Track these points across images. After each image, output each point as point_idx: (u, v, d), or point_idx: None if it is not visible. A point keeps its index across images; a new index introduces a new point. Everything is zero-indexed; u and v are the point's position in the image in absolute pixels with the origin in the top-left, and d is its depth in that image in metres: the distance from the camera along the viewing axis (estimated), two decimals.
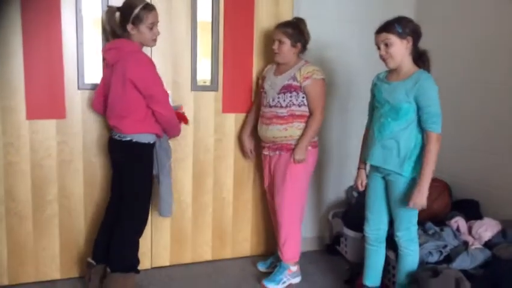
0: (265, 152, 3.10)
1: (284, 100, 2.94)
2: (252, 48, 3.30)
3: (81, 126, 2.98)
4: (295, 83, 2.93)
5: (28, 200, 2.92)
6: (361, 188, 2.73)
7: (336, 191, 3.71)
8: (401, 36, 2.39)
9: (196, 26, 3.14)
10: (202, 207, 3.35)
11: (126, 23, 2.60)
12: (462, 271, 2.42)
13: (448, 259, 2.56)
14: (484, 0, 3.17)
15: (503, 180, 3.00)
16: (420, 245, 2.59)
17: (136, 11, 2.57)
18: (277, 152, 3.01)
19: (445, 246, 2.61)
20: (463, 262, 2.49)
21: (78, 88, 2.94)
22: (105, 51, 2.70)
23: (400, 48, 2.40)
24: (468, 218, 2.89)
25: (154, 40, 2.71)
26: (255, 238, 3.53)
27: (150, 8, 2.62)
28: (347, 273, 3.16)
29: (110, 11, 2.68)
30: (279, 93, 2.95)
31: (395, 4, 3.56)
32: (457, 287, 2.28)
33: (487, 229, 2.66)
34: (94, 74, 2.96)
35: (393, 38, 2.39)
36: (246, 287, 3.07)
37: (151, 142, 2.73)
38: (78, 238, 3.06)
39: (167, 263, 3.31)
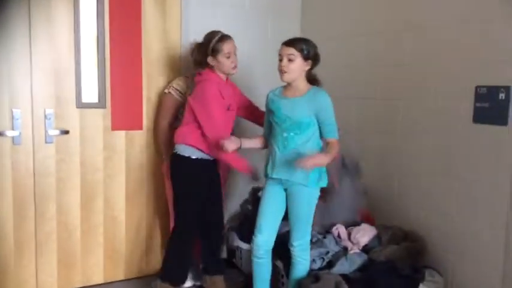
0: None
1: None
2: (141, 63, 3.27)
3: None
4: None
5: None
6: None
7: (232, 204, 3.76)
8: (305, 56, 2.53)
9: (79, 40, 3.06)
10: (92, 228, 3.24)
11: (207, 56, 2.77)
12: (342, 275, 2.57)
13: (330, 265, 2.70)
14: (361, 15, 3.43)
15: (382, 189, 3.25)
16: None
17: (213, 43, 2.76)
18: None
19: (327, 252, 2.75)
20: (342, 266, 2.64)
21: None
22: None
23: (299, 67, 2.54)
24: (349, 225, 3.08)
25: (235, 67, 2.83)
26: (150, 257, 3.47)
27: (225, 38, 2.79)
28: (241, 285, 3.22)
29: (192, 46, 2.89)
30: None
31: (282, 20, 3.78)
32: None
33: (364, 234, 2.84)
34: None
35: (298, 56, 2.51)
36: None
37: (192, 157, 2.79)
38: None
39: None
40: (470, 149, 2.62)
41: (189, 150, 2.80)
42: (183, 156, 2.81)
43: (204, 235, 3.05)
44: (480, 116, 2.55)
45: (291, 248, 2.66)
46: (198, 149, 2.79)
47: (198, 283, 3.20)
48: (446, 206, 2.76)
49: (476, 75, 2.58)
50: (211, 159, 2.83)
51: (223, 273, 3.12)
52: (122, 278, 3.38)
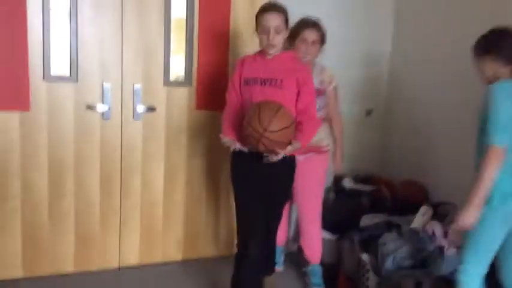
0: None
1: (317, 103, 2.78)
2: (228, 45, 3.19)
3: (46, 120, 2.84)
4: (322, 87, 2.88)
5: None
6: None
7: None
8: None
9: (169, 18, 3.03)
10: (174, 204, 3.24)
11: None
12: (438, 276, 2.37)
13: (423, 264, 2.50)
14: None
15: None
16: (396, 249, 2.54)
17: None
18: (308, 154, 2.85)
19: (421, 250, 2.55)
20: (439, 268, 2.43)
21: (44, 79, 2.81)
22: None
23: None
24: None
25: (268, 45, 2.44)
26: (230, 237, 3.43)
27: (266, 10, 2.43)
28: None
29: None
30: None
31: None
32: None
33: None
34: (61, 64, 2.85)
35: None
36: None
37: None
38: (40, 233, 2.92)
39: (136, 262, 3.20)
40: None
41: None
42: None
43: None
44: None
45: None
46: None
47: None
48: None
49: None
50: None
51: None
52: (201, 256, 3.36)
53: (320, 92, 2.85)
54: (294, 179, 2.63)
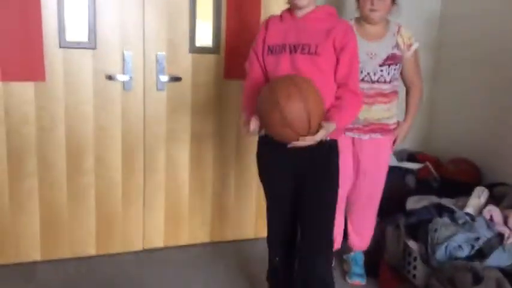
0: (352, 133, 2.48)
1: (388, 73, 2.41)
2: (260, 8, 2.88)
3: (63, 91, 2.62)
4: (399, 53, 2.42)
5: (4, 170, 2.59)
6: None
7: None
8: None
9: None
10: (201, 184, 3.02)
11: None
12: (499, 269, 2.09)
13: (481, 254, 2.22)
14: None
15: None
16: (449, 236, 2.26)
17: None
18: (374, 135, 2.47)
19: (477, 238, 2.26)
20: (499, 258, 2.15)
21: (60, 46, 2.57)
22: None
23: None
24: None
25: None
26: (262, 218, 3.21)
27: None
28: None
29: None
30: (382, 65, 2.39)
31: None
32: None
33: None
34: (78, 30, 2.60)
35: None
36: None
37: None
38: (60, 213, 2.74)
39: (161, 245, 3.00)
40: None
41: None
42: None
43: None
44: None
45: None
46: None
47: None
48: None
49: None
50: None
51: None
52: (229, 238, 3.15)
53: (395, 59, 2.41)
54: (357, 160, 2.41)
